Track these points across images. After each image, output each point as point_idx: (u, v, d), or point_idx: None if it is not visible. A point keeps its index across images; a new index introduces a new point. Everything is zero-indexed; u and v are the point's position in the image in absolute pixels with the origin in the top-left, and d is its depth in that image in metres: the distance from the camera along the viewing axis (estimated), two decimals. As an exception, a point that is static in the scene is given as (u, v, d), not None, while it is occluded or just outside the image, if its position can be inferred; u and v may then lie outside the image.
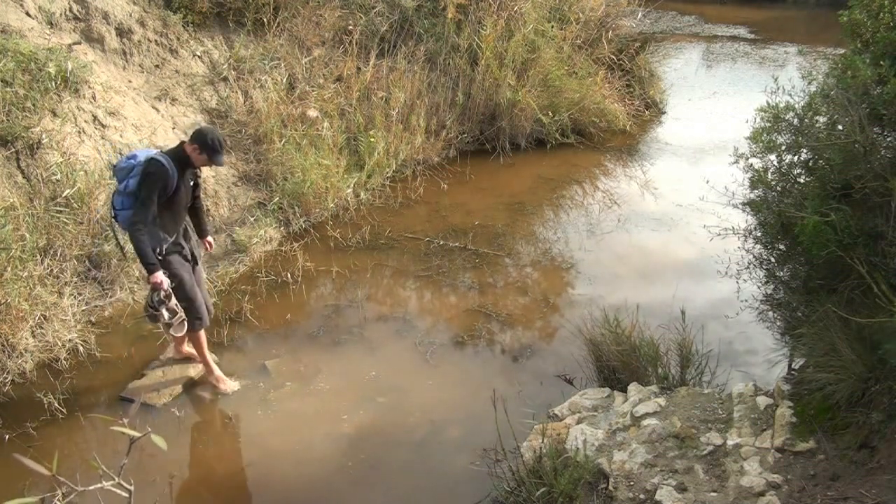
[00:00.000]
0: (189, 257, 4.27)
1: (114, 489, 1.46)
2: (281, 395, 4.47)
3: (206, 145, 3.92)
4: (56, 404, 4.20)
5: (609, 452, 3.52)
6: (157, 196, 3.88)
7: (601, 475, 3.41)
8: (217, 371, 4.50)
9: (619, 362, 4.33)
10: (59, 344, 4.60)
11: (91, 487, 1.44)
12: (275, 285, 5.59)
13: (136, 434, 1.45)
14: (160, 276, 3.96)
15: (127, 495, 1.48)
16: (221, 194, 6.21)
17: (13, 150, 5.06)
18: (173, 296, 4.10)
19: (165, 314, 4.08)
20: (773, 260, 4.00)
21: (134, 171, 3.90)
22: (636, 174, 8.22)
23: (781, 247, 3.92)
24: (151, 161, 3.86)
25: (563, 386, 4.62)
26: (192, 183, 4.16)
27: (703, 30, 15.38)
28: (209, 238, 4.56)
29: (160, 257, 4.02)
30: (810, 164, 3.59)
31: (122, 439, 4.04)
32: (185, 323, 4.21)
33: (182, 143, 4.04)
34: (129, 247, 4.32)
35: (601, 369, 4.50)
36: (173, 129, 6.30)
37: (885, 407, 3.04)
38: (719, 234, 3.98)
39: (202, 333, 4.38)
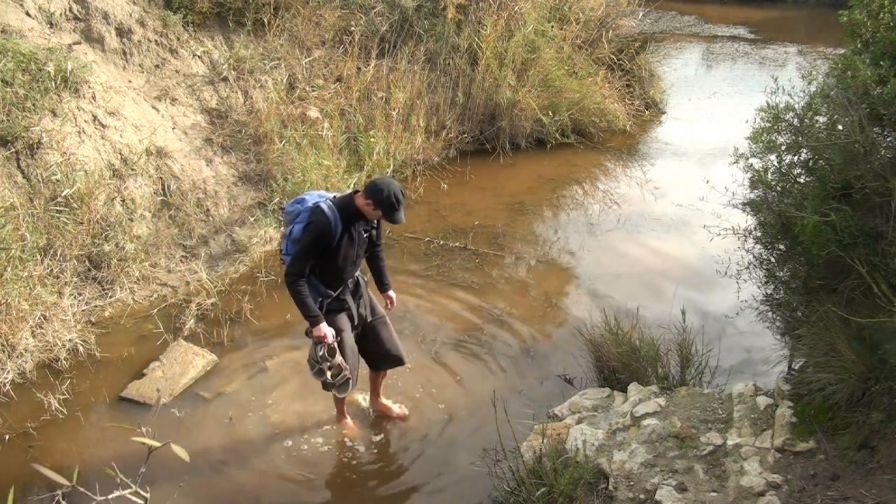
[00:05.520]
0: (354, 317, 3.85)
1: (131, 497, 1.46)
2: (281, 395, 4.47)
3: (380, 202, 3.49)
4: (56, 404, 4.20)
5: (609, 452, 3.52)
6: (318, 249, 3.53)
7: (601, 475, 3.41)
8: (347, 419, 4.25)
9: (619, 362, 4.32)
10: (59, 344, 4.60)
11: (111, 496, 1.44)
12: (275, 285, 5.58)
13: (157, 444, 1.44)
14: (324, 329, 3.59)
15: (143, 503, 1.48)
16: (221, 194, 6.21)
17: (13, 150, 5.06)
18: (338, 352, 3.71)
19: (328, 373, 3.71)
20: (773, 260, 4.00)
21: (299, 218, 3.58)
22: (636, 174, 8.22)
23: (781, 247, 3.92)
24: (314, 210, 3.52)
25: (563, 386, 4.62)
26: (365, 235, 3.72)
27: (703, 30, 15.37)
28: (391, 293, 4.06)
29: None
30: (810, 164, 3.59)
31: (123, 439, 4.04)
32: (350, 383, 3.83)
33: (355, 192, 3.63)
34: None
35: (601, 369, 4.50)
36: (173, 129, 6.30)
37: (885, 407, 3.04)
38: (719, 235, 3.98)
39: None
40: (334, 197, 3.64)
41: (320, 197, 3.62)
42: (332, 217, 3.50)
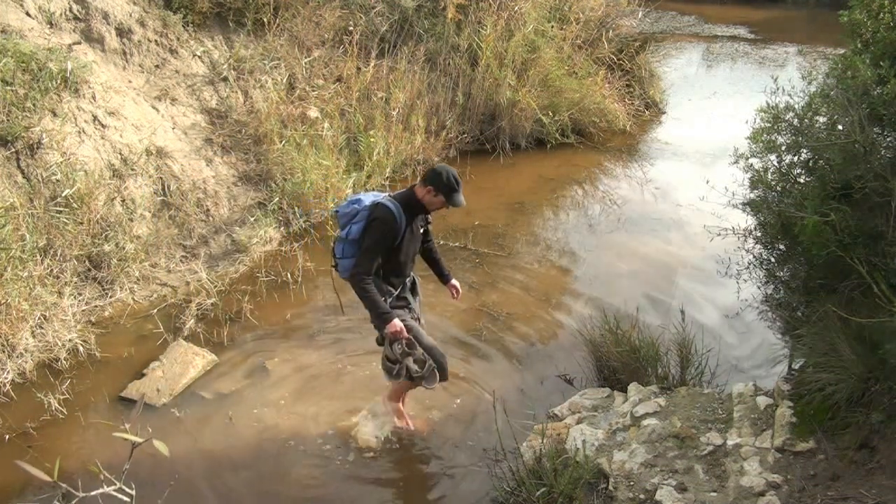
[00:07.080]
0: (417, 315, 3.84)
1: (116, 494, 1.45)
2: (281, 395, 4.47)
3: (441, 185, 3.49)
4: (56, 404, 4.19)
5: (609, 452, 3.52)
6: (385, 244, 3.51)
7: (601, 475, 3.41)
8: (406, 417, 4.19)
9: (619, 362, 4.33)
10: (59, 344, 4.60)
11: (93, 493, 1.44)
12: (275, 285, 5.59)
13: (138, 440, 1.45)
14: (398, 324, 3.51)
15: (129, 500, 1.48)
16: (221, 194, 6.21)
17: (13, 150, 5.06)
18: (417, 344, 3.64)
19: (414, 366, 3.60)
20: (773, 260, 4.00)
21: (357, 217, 3.54)
22: (636, 174, 8.22)
23: (781, 247, 3.92)
24: (378, 206, 3.50)
25: (563, 386, 4.62)
26: (421, 229, 3.74)
27: (703, 30, 15.37)
28: (454, 282, 4.04)
29: None
30: (810, 164, 3.59)
31: (122, 440, 4.04)
32: (437, 373, 3.72)
33: (413, 186, 3.63)
34: (349, 297, 3.79)
35: (601, 369, 4.50)
36: (173, 129, 6.30)
37: (885, 407, 3.04)
38: (719, 235, 3.98)
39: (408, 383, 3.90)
40: (390, 195, 3.64)
41: (377, 196, 3.60)
42: (396, 211, 3.49)
